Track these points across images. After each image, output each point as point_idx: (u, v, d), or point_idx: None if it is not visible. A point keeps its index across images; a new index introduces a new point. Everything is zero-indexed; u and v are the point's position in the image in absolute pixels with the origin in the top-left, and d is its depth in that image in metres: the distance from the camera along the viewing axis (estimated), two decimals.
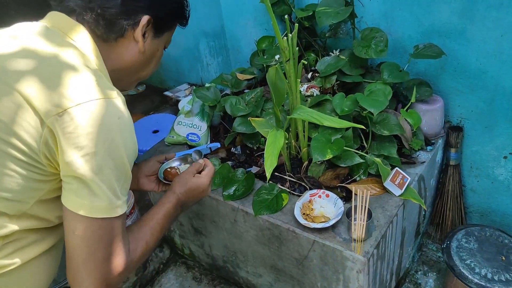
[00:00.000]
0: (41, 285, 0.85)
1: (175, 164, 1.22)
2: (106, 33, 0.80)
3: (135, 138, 0.78)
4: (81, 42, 0.78)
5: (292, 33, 1.11)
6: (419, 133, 1.44)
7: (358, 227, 1.11)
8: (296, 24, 1.09)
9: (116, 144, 0.71)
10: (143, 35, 0.83)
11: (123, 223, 0.79)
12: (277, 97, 1.22)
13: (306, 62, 1.30)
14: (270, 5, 1.00)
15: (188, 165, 1.22)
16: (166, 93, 2.54)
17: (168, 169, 1.18)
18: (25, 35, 0.77)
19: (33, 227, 0.78)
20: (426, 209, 1.53)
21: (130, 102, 2.98)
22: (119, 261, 0.78)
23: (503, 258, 1.38)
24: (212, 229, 1.57)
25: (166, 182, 1.16)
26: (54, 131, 0.68)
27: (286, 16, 1.07)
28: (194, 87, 2.54)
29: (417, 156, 1.42)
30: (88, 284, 0.75)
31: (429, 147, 1.45)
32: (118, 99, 0.74)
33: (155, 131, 2.29)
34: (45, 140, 0.69)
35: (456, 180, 1.60)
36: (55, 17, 0.80)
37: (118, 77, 0.86)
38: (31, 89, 0.68)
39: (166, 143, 1.68)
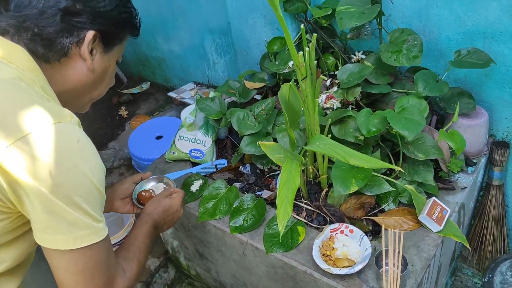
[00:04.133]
0: None
1: (150, 185, 1.20)
2: (47, 53, 0.71)
3: (99, 156, 0.71)
4: (21, 65, 0.69)
5: (310, 45, 0.90)
6: None
7: (391, 279, 0.92)
8: (314, 35, 0.89)
9: (81, 170, 0.66)
10: (91, 52, 0.75)
11: (110, 243, 0.76)
12: (291, 117, 1.03)
13: (326, 78, 1.09)
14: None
15: (161, 184, 1.22)
16: (170, 94, 2.35)
17: (143, 193, 1.15)
18: None
19: None
20: (470, 248, 1.32)
21: (134, 101, 2.82)
22: (119, 281, 0.78)
23: None
24: (219, 257, 1.40)
25: (140, 205, 1.13)
26: (4, 167, 0.61)
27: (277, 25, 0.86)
28: (199, 89, 2.35)
29: (457, 180, 1.21)
30: None
31: (470, 168, 1.24)
32: (73, 121, 0.68)
33: (159, 137, 2.12)
34: None
35: (499, 201, 1.39)
36: None
37: (67, 100, 0.77)
38: None
39: (166, 159, 1.50)
